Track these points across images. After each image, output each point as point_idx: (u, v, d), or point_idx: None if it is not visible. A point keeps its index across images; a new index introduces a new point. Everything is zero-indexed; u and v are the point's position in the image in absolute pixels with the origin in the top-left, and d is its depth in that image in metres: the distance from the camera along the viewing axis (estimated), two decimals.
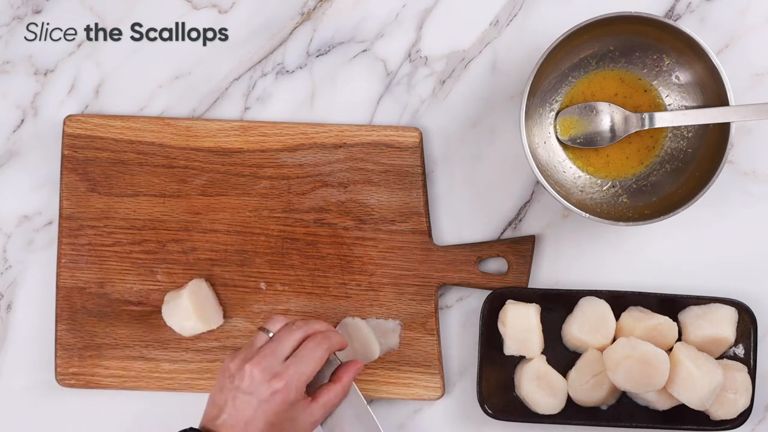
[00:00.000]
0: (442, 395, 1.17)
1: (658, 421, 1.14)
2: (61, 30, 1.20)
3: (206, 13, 1.19)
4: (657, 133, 1.15)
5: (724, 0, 1.17)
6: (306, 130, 1.17)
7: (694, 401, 1.10)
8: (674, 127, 1.14)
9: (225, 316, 1.17)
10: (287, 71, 1.19)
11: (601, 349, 1.13)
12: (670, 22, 1.09)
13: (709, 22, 1.17)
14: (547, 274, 1.18)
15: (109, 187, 1.17)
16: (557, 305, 1.16)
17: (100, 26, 1.19)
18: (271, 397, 1.03)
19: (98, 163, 1.17)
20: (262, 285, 1.17)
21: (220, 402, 1.05)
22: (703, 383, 1.10)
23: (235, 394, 1.04)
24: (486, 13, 1.18)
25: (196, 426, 1.05)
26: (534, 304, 1.14)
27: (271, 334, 1.07)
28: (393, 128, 1.17)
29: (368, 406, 1.09)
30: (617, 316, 1.14)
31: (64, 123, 1.17)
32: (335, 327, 1.16)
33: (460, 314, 1.18)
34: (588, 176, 1.16)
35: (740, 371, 1.13)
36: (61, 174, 1.18)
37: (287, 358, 1.05)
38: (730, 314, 1.14)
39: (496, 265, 1.18)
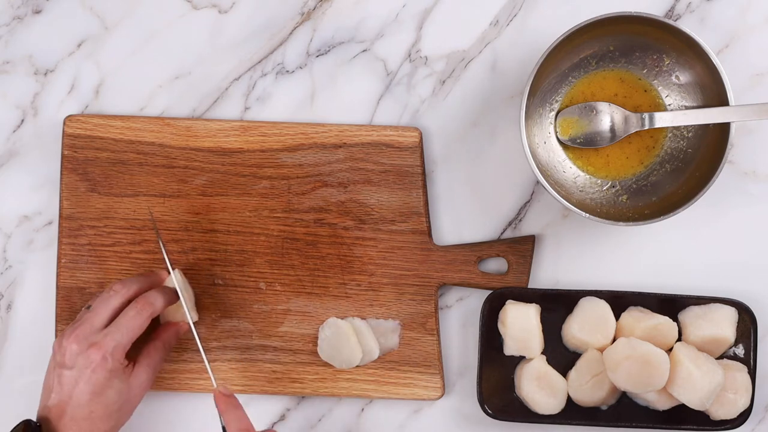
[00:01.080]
0: (442, 395, 1.17)
1: (658, 421, 1.14)
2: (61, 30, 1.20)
3: (206, 13, 1.19)
4: (657, 133, 1.15)
5: (724, 0, 1.17)
6: (306, 130, 1.17)
7: (694, 401, 1.10)
8: (674, 127, 1.15)
9: (225, 317, 1.17)
10: (287, 71, 1.19)
11: (601, 350, 1.13)
12: (670, 22, 1.09)
13: (709, 22, 1.17)
14: (547, 274, 1.18)
15: (109, 187, 1.17)
16: (557, 305, 1.16)
17: (100, 26, 1.19)
18: (90, 367, 1.04)
19: (98, 163, 1.17)
20: (262, 285, 1.17)
21: (49, 383, 1.06)
22: (703, 383, 1.10)
23: (60, 371, 1.05)
24: (486, 13, 1.18)
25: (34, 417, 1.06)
26: (534, 305, 1.14)
27: (89, 306, 1.08)
28: (393, 128, 1.17)
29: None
30: (617, 316, 1.14)
31: (64, 123, 1.17)
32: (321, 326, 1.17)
33: (460, 314, 1.18)
34: (588, 176, 1.16)
35: (740, 371, 1.13)
36: (61, 174, 1.18)
37: (106, 326, 1.06)
38: (730, 314, 1.14)
39: (496, 265, 1.18)
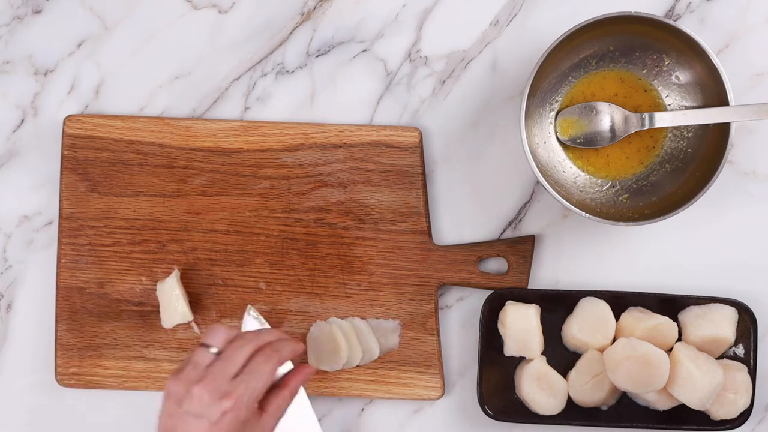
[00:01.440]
0: (442, 395, 1.17)
1: (659, 421, 1.14)
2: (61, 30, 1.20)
3: (206, 13, 1.19)
4: (657, 133, 1.15)
5: (724, 0, 1.17)
6: (306, 130, 1.17)
7: (694, 401, 1.10)
8: (674, 127, 1.15)
9: (225, 317, 1.17)
10: (287, 71, 1.19)
11: (601, 350, 1.13)
12: (670, 22, 1.09)
13: (709, 22, 1.17)
14: (547, 274, 1.18)
15: (109, 187, 1.17)
16: (557, 306, 1.16)
17: (100, 26, 1.19)
18: (222, 417, 0.99)
19: (98, 163, 1.17)
20: (262, 285, 1.17)
21: (170, 427, 1.00)
22: (703, 383, 1.10)
23: (185, 419, 0.99)
24: (486, 13, 1.18)
25: None
26: (534, 305, 1.14)
27: (213, 349, 1.02)
28: (393, 128, 1.17)
29: (312, 410, 1.09)
30: (617, 317, 1.14)
31: (64, 123, 1.17)
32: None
33: (460, 314, 1.18)
34: (588, 176, 1.16)
35: (740, 371, 1.13)
36: (61, 174, 1.18)
37: (236, 375, 1.01)
38: (730, 314, 1.14)
39: (496, 265, 1.18)
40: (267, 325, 1.13)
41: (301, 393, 1.08)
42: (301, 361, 1.15)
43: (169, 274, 1.17)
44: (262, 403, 1.02)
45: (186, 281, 1.17)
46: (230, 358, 1.02)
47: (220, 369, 1.00)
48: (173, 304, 1.14)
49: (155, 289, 1.17)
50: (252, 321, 1.14)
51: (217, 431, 0.99)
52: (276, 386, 1.04)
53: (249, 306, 1.14)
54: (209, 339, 1.03)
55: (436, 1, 1.18)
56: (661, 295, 1.15)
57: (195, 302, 1.17)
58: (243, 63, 1.19)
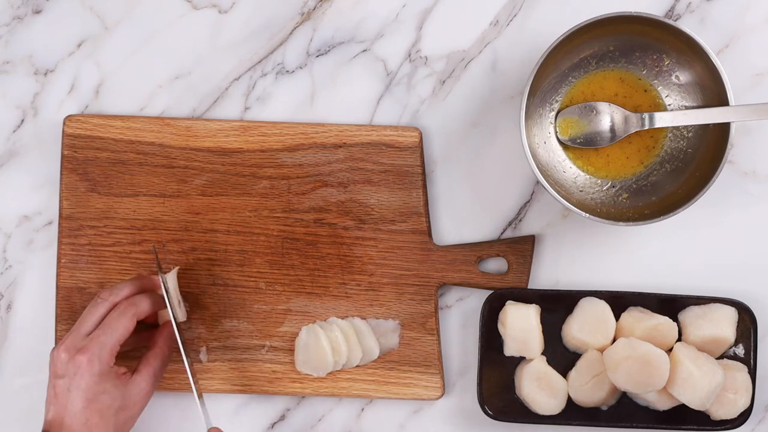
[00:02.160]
0: (442, 395, 1.17)
1: (659, 421, 1.14)
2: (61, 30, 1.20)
3: (206, 13, 1.19)
4: (657, 133, 1.15)
5: (724, 0, 1.17)
6: (306, 130, 1.17)
7: (694, 401, 1.10)
8: (674, 127, 1.15)
9: (225, 317, 1.17)
10: (287, 71, 1.19)
11: (601, 350, 1.13)
12: (670, 22, 1.09)
13: (709, 22, 1.17)
14: (547, 274, 1.18)
15: (109, 187, 1.17)
16: (557, 306, 1.16)
17: (100, 26, 1.19)
18: (78, 372, 1.04)
19: (98, 163, 1.17)
20: (262, 285, 1.17)
21: (48, 398, 1.06)
22: (703, 383, 1.10)
23: (54, 382, 1.05)
24: (486, 13, 1.18)
25: None
26: (534, 305, 1.14)
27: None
28: (393, 128, 1.17)
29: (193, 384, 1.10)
30: (617, 317, 1.14)
31: (64, 123, 1.17)
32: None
33: (460, 314, 1.18)
34: (588, 176, 1.16)
35: (740, 371, 1.13)
36: (61, 174, 1.18)
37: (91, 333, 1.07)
38: (730, 314, 1.14)
39: (496, 265, 1.18)
40: (176, 291, 1.14)
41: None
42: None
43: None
44: (136, 366, 1.08)
45: (186, 281, 1.17)
46: (84, 318, 1.08)
47: (76, 329, 1.07)
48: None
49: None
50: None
51: (78, 386, 1.04)
52: (146, 348, 1.10)
53: (172, 271, 1.14)
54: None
55: (436, 1, 1.18)
56: (661, 295, 1.15)
57: (195, 302, 1.17)
58: (243, 63, 1.19)
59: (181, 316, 1.13)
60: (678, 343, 1.13)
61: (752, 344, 1.14)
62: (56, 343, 1.17)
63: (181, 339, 1.10)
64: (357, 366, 1.17)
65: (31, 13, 1.20)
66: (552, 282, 1.18)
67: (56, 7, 1.20)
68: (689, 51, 1.10)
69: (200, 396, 1.10)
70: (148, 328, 1.14)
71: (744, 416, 1.13)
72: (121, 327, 1.07)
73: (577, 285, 1.18)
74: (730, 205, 1.17)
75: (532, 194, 1.18)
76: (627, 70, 1.15)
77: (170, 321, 1.11)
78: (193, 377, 1.10)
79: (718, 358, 1.14)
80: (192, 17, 1.19)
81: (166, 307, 1.12)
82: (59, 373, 1.05)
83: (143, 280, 1.13)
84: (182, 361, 1.13)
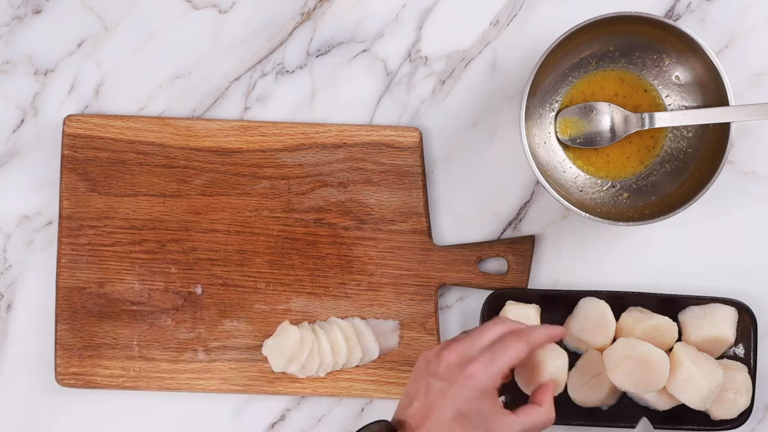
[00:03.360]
0: None
1: (658, 421, 1.14)
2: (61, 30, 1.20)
3: (206, 13, 1.19)
4: (657, 133, 1.15)
5: (724, 0, 1.17)
6: (306, 130, 1.17)
7: (694, 401, 1.10)
8: (674, 127, 1.15)
9: (225, 317, 1.17)
10: (287, 71, 1.19)
11: (601, 350, 1.13)
12: (670, 22, 1.09)
13: (709, 22, 1.17)
14: (547, 274, 1.18)
15: (109, 187, 1.17)
16: (557, 306, 1.15)
17: (100, 26, 1.19)
18: (464, 381, 0.99)
19: (98, 163, 1.17)
20: (262, 285, 1.17)
21: (413, 391, 1.01)
22: (703, 383, 1.10)
23: (429, 380, 1.00)
24: (486, 13, 1.18)
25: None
26: (534, 305, 1.14)
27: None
28: (393, 128, 1.17)
29: None
30: (617, 317, 1.14)
31: (64, 123, 1.17)
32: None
33: (460, 314, 1.18)
34: (588, 176, 1.16)
35: (740, 371, 1.13)
36: (61, 174, 1.18)
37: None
38: (730, 314, 1.14)
39: (496, 265, 1.18)
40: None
41: None
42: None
43: (170, 274, 1.17)
44: (517, 409, 1.02)
45: (186, 281, 1.17)
46: (481, 331, 1.03)
47: (470, 339, 1.02)
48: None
49: (155, 290, 1.17)
50: None
51: (456, 395, 0.99)
52: (533, 401, 1.04)
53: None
54: (467, 329, 1.05)
55: (436, 1, 1.18)
56: (661, 295, 1.15)
57: (195, 302, 1.17)
58: (243, 63, 1.19)
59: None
60: (678, 343, 1.13)
61: (752, 344, 1.14)
62: (58, 333, 1.17)
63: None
64: (357, 366, 1.17)
65: (31, 13, 1.20)
66: (552, 282, 1.18)
67: (56, 7, 1.20)
68: (689, 51, 1.10)
69: None
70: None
71: (744, 416, 1.13)
72: (516, 350, 1.01)
73: (577, 285, 1.18)
74: (730, 205, 1.17)
75: (532, 194, 1.18)
76: (627, 70, 1.15)
77: (554, 382, 1.06)
78: None
79: (718, 358, 1.14)
80: (192, 17, 1.19)
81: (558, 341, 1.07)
82: (441, 375, 1.00)
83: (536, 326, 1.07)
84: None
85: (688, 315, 1.14)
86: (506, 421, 1.00)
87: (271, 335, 1.16)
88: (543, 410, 1.03)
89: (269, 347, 1.15)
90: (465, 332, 1.05)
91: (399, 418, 1.01)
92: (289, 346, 1.14)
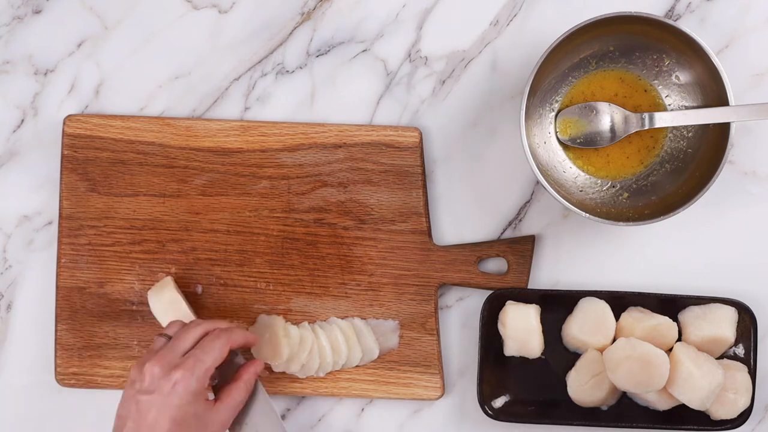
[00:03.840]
0: (442, 395, 1.17)
1: (659, 421, 1.14)
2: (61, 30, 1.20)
3: (206, 13, 1.19)
4: (657, 133, 1.15)
5: (724, 0, 1.17)
6: (306, 130, 1.17)
7: (694, 401, 1.10)
8: (674, 127, 1.15)
9: (225, 317, 1.17)
10: (287, 71, 1.19)
11: (601, 350, 1.13)
12: (670, 22, 1.09)
13: (709, 22, 1.17)
14: (547, 274, 1.18)
15: (109, 187, 1.17)
16: (557, 306, 1.16)
17: (100, 26, 1.20)
18: (173, 389, 1.01)
19: (98, 163, 1.17)
20: (262, 285, 1.17)
21: (124, 413, 1.02)
22: (703, 383, 1.10)
23: (137, 398, 1.01)
24: (486, 13, 1.18)
25: None
26: (534, 305, 1.14)
27: (169, 338, 1.06)
28: (393, 128, 1.17)
29: (274, 408, 1.09)
30: (617, 317, 1.14)
31: (64, 123, 1.17)
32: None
33: (460, 314, 1.18)
34: (588, 176, 1.16)
35: (740, 371, 1.13)
36: (61, 174, 1.18)
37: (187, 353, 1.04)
38: (730, 314, 1.14)
39: (496, 265, 1.18)
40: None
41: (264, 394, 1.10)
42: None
43: (169, 274, 1.17)
44: (218, 395, 1.06)
45: (186, 281, 1.17)
46: (180, 337, 1.05)
47: (171, 347, 1.04)
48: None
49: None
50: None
51: (169, 404, 1.01)
52: (231, 380, 1.07)
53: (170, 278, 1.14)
54: (166, 329, 1.07)
55: (436, 1, 1.18)
56: (661, 295, 1.15)
57: (195, 302, 1.17)
58: (243, 63, 1.19)
59: (279, 366, 1.13)
60: (678, 343, 1.13)
61: (752, 344, 1.14)
62: (58, 332, 1.17)
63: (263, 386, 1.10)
64: (357, 366, 1.17)
65: (31, 13, 1.20)
66: (552, 282, 1.18)
67: (56, 7, 1.20)
68: (689, 51, 1.10)
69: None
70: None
71: (744, 416, 1.13)
72: (217, 350, 1.04)
73: (577, 285, 1.18)
74: (730, 205, 1.17)
75: (532, 194, 1.18)
76: (627, 70, 1.15)
77: (260, 361, 1.10)
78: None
79: (718, 358, 1.14)
80: (192, 17, 1.20)
81: (255, 345, 1.11)
82: (148, 389, 1.01)
83: (239, 327, 1.10)
84: None
85: (688, 315, 1.14)
86: (216, 411, 1.04)
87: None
88: (241, 385, 1.07)
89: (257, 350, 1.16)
90: (161, 335, 1.06)
91: None
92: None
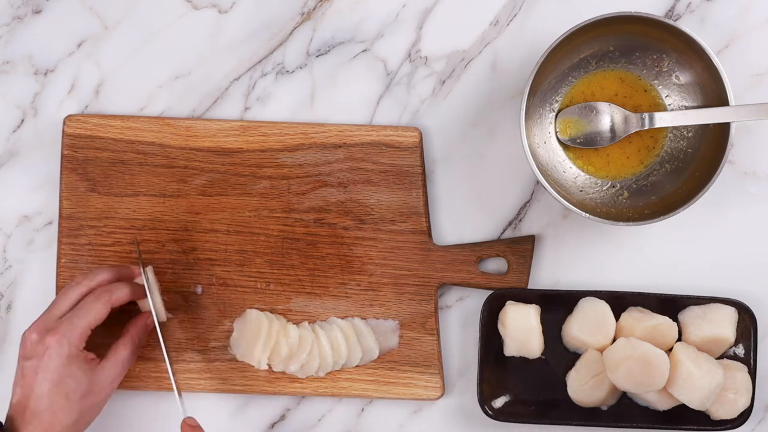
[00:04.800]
0: (442, 395, 1.17)
1: (659, 421, 1.14)
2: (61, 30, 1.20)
3: (206, 13, 1.19)
4: (657, 133, 1.15)
5: (724, 0, 1.17)
6: (306, 130, 1.17)
7: (694, 401, 1.10)
8: (674, 127, 1.15)
9: (225, 317, 1.17)
10: (287, 71, 1.19)
11: (601, 350, 1.13)
12: (670, 22, 1.09)
13: (709, 22, 1.17)
14: (547, 274, 1.18)
15: (109, 187, 1.17)
16: (557, 306, 1.16)
17: (100, 26, 1.20)
18: (47, 353, 1.03)
19: (98, 163, 1.17)
20: (262, 285, 1.17)
21: (15, 380, 1.05)
22: (703, 383, 1.10)
23: (22, 364, 1.04)
24: (486, 13, 1.18)
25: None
26: (534, 305, 1.14)
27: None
28: (393, 128, 1.17)
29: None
30: (617, 317, 1.14)
31: (64, 123, 1.17)
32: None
33: (460, 314, 1.18)
34: (588, 176, 1.16)
35: (740, 371, 1.13)
36: (61, 174, 1.18)
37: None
38: (730, 314, 1.14)
39: (496, 265, 1.18)
40: (156, 290, 1.13)
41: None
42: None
43: (170, 274, 1.17)
44: (106, 352, 1.08)
45: (186, 281, 1.17)
46: (59, 299, 1.07)
47: (50, 311, 1.06)
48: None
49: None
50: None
51: (45, 368, 1.03)
52: (118, 336, 1.09)
53: (148, 267, 1.14)
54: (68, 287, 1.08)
55: (436, 1, 1.18)
56: (661, 295, 1.15)
57: (195, 302, 1.17)
58: (243, 63, 1.19)
59: (162, 315, 1.13)
60: (678, 343, 1.13)
61: (752, 344, 1.14)
62: None
63: (161, 333, 1.11)
64: (357, 366, 1.17)
65: (31, 13, 1.20)
66: (552, 282, 1.18)
67: (56, 7, 1.20)
68: (689, 51, 1.10)
69: (179, 391, 1.11)
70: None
71: (744, 416, 1.13)
72: (94, 311, 1.06)
73: (577, 285, 1.18)
74: (730, 205, 1.17)
75: (532, 194, 1.18)
76: (627, 70, 1.15)
77: (147, 312, 1.11)
78: (171, 366, 1.11)
79: (718, 358, 1.14)
80: (192, 17, 1.20)
81: (145, 297, 1.12)
82: (28, 355, 1.04)
83: (122, 269, 1.12)
84: (181, 360, 1.13)
85: (688, 315, 1.14)
86: (101, 369, 1.07)
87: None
88: (127, 339, 1.09)
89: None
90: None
91: (9, 413, 1.04)
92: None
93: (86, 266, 1.17)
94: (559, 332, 1.16)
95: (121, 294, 1.09)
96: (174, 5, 1.19)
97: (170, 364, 1.11)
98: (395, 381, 1.17)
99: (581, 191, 1.15)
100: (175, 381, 1.11)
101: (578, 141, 1.14)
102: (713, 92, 1.10)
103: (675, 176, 1.14)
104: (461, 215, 1.18)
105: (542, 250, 1.18)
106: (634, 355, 1.09)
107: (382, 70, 1.19)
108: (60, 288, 1.17)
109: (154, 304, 1.11)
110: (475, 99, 1.18)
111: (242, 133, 1.17)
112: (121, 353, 1.09)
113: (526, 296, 1.15)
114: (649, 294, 1.15)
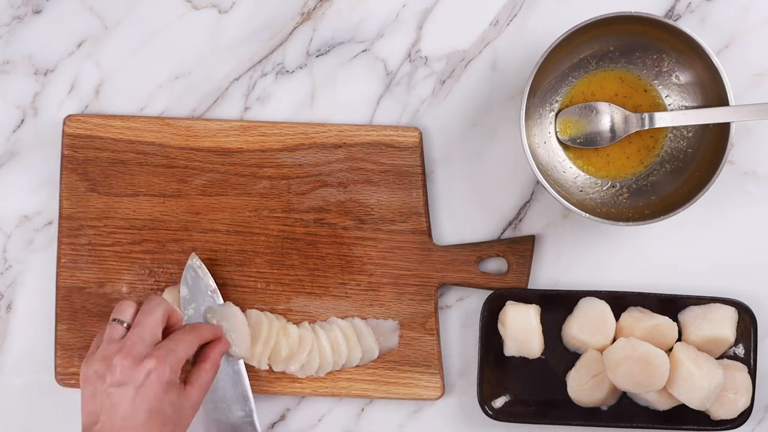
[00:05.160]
0: (442, 395, 1.17)
1: (659, 421, 1.14)
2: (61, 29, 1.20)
3: (206, 13, 1.19)
4: (657, 133, 1.15)
5: (724, 0, 1.17)
6: (306, 130, 1.17)
7: (694, 401, 1.10)
8: (674, 127, 1.15)
9: None
10: (287, 71, 1.19)
11: (601, 350, 1.13)
12: (670, 22, 1.09)
13: (709, 22, 1.17)
14: (547, 274, 1.18)
15: (109, 187, 1.18)
16: (557, 306, 1.16)
17: (100, 26, 1.20)
18: (147, 379, 0.99)
19: (98, 163, 1.17)
20: (262, 285, 1.17)
21: (95, 408, 0.99)
22: (703, 383, 1.10)
23: (109, 391, 0.98)
24: (486, 13, 1.18)
25: None
26: (534, 305, 1.14)
27: (125, 323, 1.03)
28: (393, 128, 1.17)
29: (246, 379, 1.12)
30: (617, 317, 1.14)
31: (64, 123, 1.17)
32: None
33: (460, 314, 1.18)
34: (588, 176, 1.16)
35: (740, 371, 1.13)
36: (61, 174, 1.18)
37: (156, 345, 1.02)
38: (730, 314, 1.14)
39: (496, 265, 1.18)
40: (208, 275, 1.14)
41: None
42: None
43: (170, 274, 1.17)
44: (186, 378, 1.04)
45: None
46: (142, 323, 1.03)
47: (137, 334, 1.02)
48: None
49: (155, 290, 1.17)
50: (194, 270, 1.14)
51: (144, 395, 0.98)
52: (197, 362, 1.07)
53: (193, 254, 1.14)
54: (118, 314, 1.04)
55: (436, 1, 1.18)
56: (661, 295, 1.15)
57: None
58: (243, 63, 1.19)
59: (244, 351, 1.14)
60: (678, 343, 1.13)
61: (752, 344, 1.14)
62: (58, 332, 1.17)
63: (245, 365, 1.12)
64: (357, 366, 1.17)
65: (31, 13, 1.20)
66: (552, 282, 1.18)
67: (56, 7, 1.20)
68: (689, 51, 1.10)
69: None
70: None
71: (744, 416, 1.13)
72: (189, 342, 1.03)
73: (577, 285, 1.18)
74: (730, 205, 1.17)
75: (532, 194, 1.18)
76: (627, 70, 1.15)
77: (225, 339, 1.11)
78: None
79: (718, 358, 1.14)
80: (192, 17, 1.20)
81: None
82: (120, 381, 0.98)
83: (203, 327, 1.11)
84: None
85: (688, 315, 1.14)
86: (187, 396, 1.03)
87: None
88: (208, 366, 1.06)
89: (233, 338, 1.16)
90: (115, 321, 1.04)
91: None
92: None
93: (86, 266, 1.17)
94: (559, 332, 1.16)
95: (206, 332, 1.08)
96: (174, 5, 1.19)
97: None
98: (395, 381, 1.17)
99: (581, 191, 1.15)
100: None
101: (578, 141, 1.14)
102: (713, 92, 1.10)
103: (675, 176, 1.14)
104: (461, 215, 1.18)
105: (542, 250, 1.18)
106: (634, 355, 1.09)
107: (382, 70, 1.19)
108: (60, 288, 1.17)
109: (233, 339, 1.13)
110: (475, 99, 1.18)
111: (242, 133, 1.17)
112: (203, 378, 1.05)
113: (526, 296, 1.15)
114: (649, 294, 1.15)
